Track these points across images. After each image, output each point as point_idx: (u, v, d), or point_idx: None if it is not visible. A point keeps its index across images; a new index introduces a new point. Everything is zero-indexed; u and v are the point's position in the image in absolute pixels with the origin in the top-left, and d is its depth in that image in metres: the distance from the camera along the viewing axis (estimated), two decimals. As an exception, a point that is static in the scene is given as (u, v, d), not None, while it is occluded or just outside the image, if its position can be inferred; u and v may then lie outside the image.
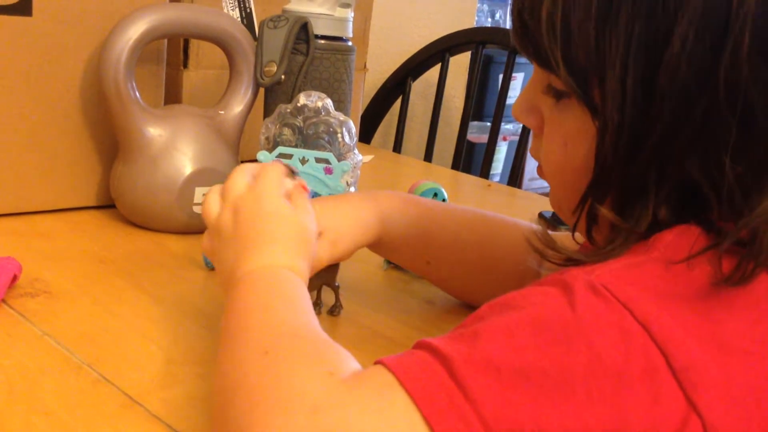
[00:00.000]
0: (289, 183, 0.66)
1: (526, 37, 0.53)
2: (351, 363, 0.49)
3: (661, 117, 0.48)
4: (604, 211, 0.51)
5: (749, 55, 0.47)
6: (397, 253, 0.78)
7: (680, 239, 0.48)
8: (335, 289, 0.77)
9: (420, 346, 0.47)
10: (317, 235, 0.67)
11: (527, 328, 0.45)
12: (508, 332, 0.45)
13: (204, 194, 0.67)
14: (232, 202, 0.63)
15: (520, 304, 0.47)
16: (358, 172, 0.93)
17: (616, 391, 0.43)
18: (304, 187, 0.66)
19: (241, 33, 1.00)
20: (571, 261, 0.52)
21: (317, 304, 0.78)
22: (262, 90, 1.01)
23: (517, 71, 1.77)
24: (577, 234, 0.57)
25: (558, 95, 0.55)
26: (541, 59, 0.53)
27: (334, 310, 0.78)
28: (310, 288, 0.73)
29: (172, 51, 1.16)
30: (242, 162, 1.01)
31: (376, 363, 0.46)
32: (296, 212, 0.63)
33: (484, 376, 0.43)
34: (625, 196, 0.51)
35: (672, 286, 0.46)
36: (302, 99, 0.91)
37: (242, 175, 0.65)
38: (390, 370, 0.45)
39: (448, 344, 0.45)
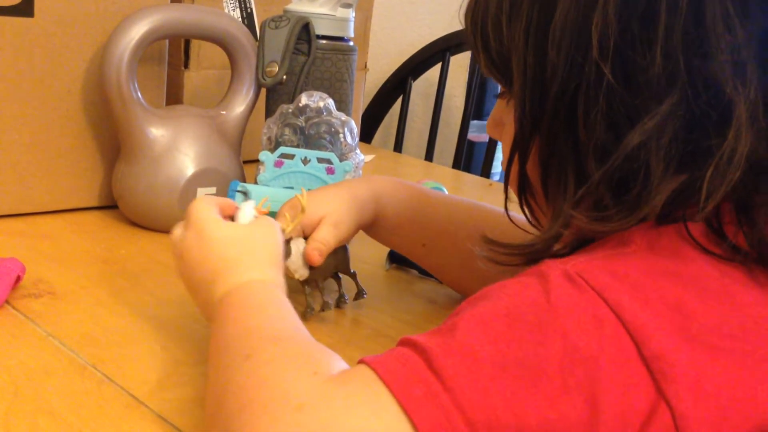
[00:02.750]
0: (249, 206, 0.67)
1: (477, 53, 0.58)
2: (336, 362, 0.50)
3: (553, 86, 0.51)
4: (537, 187, 0.55)
5: (618, 15, 0.49)
6: (394, 235, 0.79)
7: (654, 232, 0.49)
8: (353, 276, 0.78)
9: (401, 342, 0.48)
10: (318, 220, 0.72)
11: (503, 318, 0.46)
12: (484, 323, 0.46)
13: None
14: (177, 250, 0.65)
15: (496, 295, 0.48)
16: (360, 172, 0.93)
17: (590, 378, 0.44)
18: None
19: (242, 33, 1.00)
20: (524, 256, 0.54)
21: (341, 296, 0.78)
22: (263, 90, 1.01)
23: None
24: None
25: (506, 96, 0.58)
26: (479, 63, 0.58)
27: (359, 296, 0.78)
28: (324, 274, 0.74)
29: (174, 51, 1.16)
30: (244, 162, 1.02)
31: (358, 362, 0.47)
32: (247, 226, 0.65)
33: (462, 366, 0.44)
34: (545, 173, 0.54)
35: (645, 278, 0.47)
36: (304, 99, 0.92)
37: (179, 225, 0.67)
38: (370, 367, 0.46)
39: (427, 338, 0.47)
